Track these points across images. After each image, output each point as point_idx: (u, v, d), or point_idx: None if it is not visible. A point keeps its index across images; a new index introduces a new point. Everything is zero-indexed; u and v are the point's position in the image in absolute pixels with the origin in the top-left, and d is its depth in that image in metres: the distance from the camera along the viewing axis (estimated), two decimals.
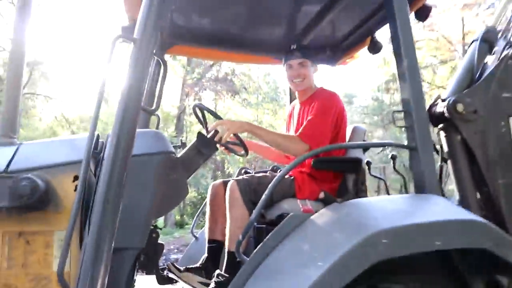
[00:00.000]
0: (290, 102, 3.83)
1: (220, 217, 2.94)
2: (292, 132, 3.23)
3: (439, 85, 20.70)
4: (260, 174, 2.97)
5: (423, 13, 3.02)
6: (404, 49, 2.35)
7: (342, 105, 3.00)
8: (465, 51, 19.27)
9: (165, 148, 2.36)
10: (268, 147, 3.48)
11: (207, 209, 3.12)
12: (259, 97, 29.66)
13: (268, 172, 3.16)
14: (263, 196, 2.17)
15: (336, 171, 2.88)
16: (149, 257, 2.51)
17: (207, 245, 3.01)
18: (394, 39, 2.41)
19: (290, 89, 3.88)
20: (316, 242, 1.95)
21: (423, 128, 2.28)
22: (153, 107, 2.52)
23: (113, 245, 1.83)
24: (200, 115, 2.95)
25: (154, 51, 2.93)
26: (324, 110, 2.89)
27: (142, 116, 3.20)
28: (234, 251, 2.27)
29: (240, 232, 2.35)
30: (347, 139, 3.09)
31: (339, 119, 2.94)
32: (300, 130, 2.86)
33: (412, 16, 2.98)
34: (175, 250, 11.61)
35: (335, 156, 2.93)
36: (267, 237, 2.11)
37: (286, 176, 2.87)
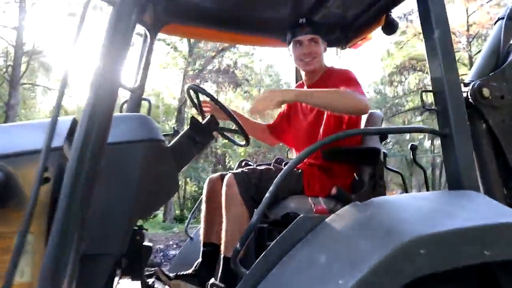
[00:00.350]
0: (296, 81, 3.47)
1: (217, 216, 2.55)
2: (298, 120, 2.91)
3: None
4: (263, 167, 2.59)
5: (390, 28, 3.02)
6: (434, 18, 1.98)
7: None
8: (469, 43, 19.10)
9: (152, 135, 1.99)
10: (254, 122, 3.21)
11: (203, 207, 2.76)
12: (261, 89, 29.43)
13: (271, 164, 2.76)
14: (267, 194, 1.78)
15: (351, 163, 2.53)
16: (133, 262, 2.15)
17: (201, 248, 2.65)
18: (422, 8, 2.05)
19: (296, 70, 3.52)
20: (335, 252, 1.56)
21: (458, 112, 1.92)
22: (136, 85, 2.12)
23: (82, 251, 1.47)
24: (194, 98, 2.59)
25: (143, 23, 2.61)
26: (353, 79, 2.60)
27: (132, 101, 2.88)
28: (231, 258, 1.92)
29: (238, 235, 2.03)
30: (362, 126, 2.74)
31: None
32: (343, 87, 2.46)
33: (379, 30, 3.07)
34: (174, 246, 11.39)
35: (350, 146, 2.56)
36: (271, 245, 1.74)
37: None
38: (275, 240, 1.74)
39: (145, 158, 1.92)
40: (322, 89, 2.48)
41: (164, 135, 2.56)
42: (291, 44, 2.81)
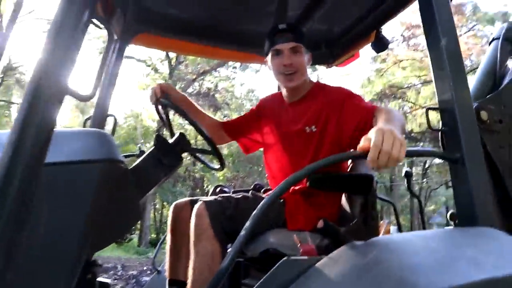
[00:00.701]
0: None
1: (184, 248, 2.19)
2: (273, 140, 2.54)
3: (423, 105, 20.53)
4: (239, 195, 2.24)
5: (381, 44, 2.84)
6: (440, 25, 1.70)
7: None
8: None
9: (109, 154, 1.66)
10: (206, 115, 2.75)
11: (168, 237, 2.39)
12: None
13: (250, 192, 2.40)
14: (243, 230, 1.40)
15: (340, 191, 2.24)
16: None
17: (167, 286, 2.29)
18: (426, 15, 1.79)
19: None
20: None
21: (471, 132, 1.62)
22: (90, 93, 1.79)
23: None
24: (162, 113, 2.27)
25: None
26: (360, 99, 2.35)
27: (96, 117, 2.57)
28: None
29: (208, 274, 1.77)
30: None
31: None
32: (370, 110, 2.12)
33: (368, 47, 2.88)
34: (148, 272, 10.92)
35: (339, 172, 2.26)
36: None
37: None
38: (255, 286, 1.41)
39: (100, 181, 1.58)
40: (388, 111, 2.04)
41: (128, 156, 2.25)
42: (269, 54, 2.41)
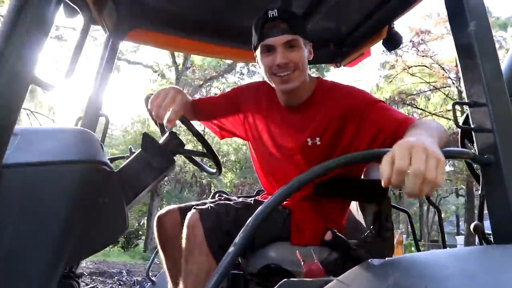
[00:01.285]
0: None
1: (179, 262, 1.88)
2: (267, 137, 2.16)
3: (432, 112, 20.37)
4: (239, 204, 1.94)
5: (393, 41, 2.59)
6: (468, 7, 1.47)
7: None
8: (458, 78, 19.23)
9: (91, 155, 1.48)
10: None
11: (160, 253, 2.15)
12: None
13: (251, 199, 2.09)
14: (232, 247, 1.10)
15: (350, 199, 2.02)
16: None
17: None
18: None
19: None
20: None
21: (507, 131, 1.37)
22: (58, 83, 1.58)
23: None
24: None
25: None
26: (388, 106, 1.93)
27: (88, 117, 2.41)
28: None
29: None
30: None
31: None
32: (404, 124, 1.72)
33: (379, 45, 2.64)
34: (153, 278, 10.74)
35: (350, 178, 2.00)
36: None
37: (279, 208, 1.92)
38: None
39: (79, 185, 1.41)
40: (425, 121, 1.81)
41: (117, 159, 2.08)
42: (259, 49, 1.94)
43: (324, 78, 2.13)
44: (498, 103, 1.38)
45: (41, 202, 1.34)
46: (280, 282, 1.20)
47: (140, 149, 1.80)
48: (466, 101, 1.46)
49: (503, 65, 2.25)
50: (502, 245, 1.30)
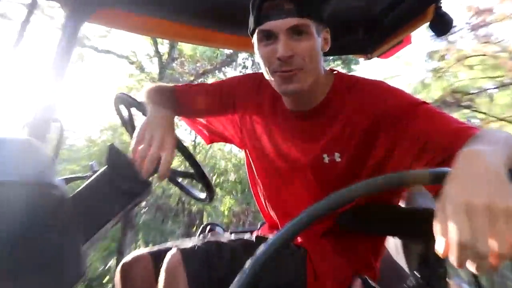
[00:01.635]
0: None
1: None
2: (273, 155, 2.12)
3: (499, 117, 20.34)
4: (238, 240, 1.95)
5: (442, 24, 2.62)
6: None
7: None
8: None
9: (37, 175, 1.48)
10: None
11: None
12: None
13: (253, 233, 2.13)
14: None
15: (388, 234, 2.01)
16: None
17: None
18: None
19: None
20: None
21: None
22: None
23: None
24: (125, 115, 2.09)
25: None
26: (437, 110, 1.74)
27: (37, 122, 2.43)
28: None
29: None
30: None
31: None
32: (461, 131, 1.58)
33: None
34: None
35: (387, 205, 1.95)
36: None
37: (292, 246, 1.92)
38: None
39: (19, 216, 1.41)
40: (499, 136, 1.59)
41: (68, 180, 2.08)
42: (255, 36, 1.86)
43: (344, 73, 2.04)
44: None
45: None
46: None
47: (105, 167, 1.80)
48: None
49: None
50: None
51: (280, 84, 1.83)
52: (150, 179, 1.88)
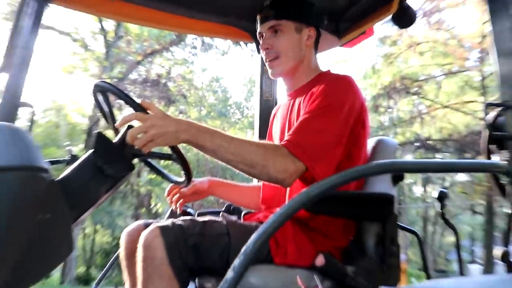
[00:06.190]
0: (261, 100, 3.24)
1: None
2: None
3: (445, 104, 20.79)
4: (207, 219, 2.17)
5: (405, 17, 2.78)
6: None
7: (361, 97, 2.28)
8: (481, 59, 19.59)
9: (28, 159, 1.58)
10: (244, 188, 2.84)
11: (125, 273, 2.38)
12: (202, 109, 29.19)
13: (220, 214, 2.37)
14: (231, 271, 1.29)
15: (347, 217, 2.19)
16: None
17: None
18: None
19: (261, 80, 3.29)
20: None
21: None
22: None
23: None
24: (103, 102, 2.18)
25: None
26: (330, 106, 2.18)
27: (6, 107, 2.46)
28: None
29: None
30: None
31: (357, 121, 2.23)
32: (286, 136, 2.15)
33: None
34: None
35: (347, 191, 2.19)
36: None
37: (253, 223, 2.24)
38: None
39: (13, 198, 1.52)
40: (241, 138, 2.10)
41: (54, 163, 2.16)
42: (259, 38, 2.59)
43: (331, 72, 2.52)
44: None
45: None
46: None
47: (90, 152, 1.90)
48: (501, 101, 1.63)
49: None
50: None
51: (269, 70, 2.53)
52: (133, 162, 1.99)
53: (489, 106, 1.75)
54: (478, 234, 34.93)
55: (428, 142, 22.97)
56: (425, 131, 22.30)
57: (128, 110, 1.98)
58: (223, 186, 2.82)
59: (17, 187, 1.53)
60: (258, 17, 2.52)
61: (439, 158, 22.64)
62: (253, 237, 1.29)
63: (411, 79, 22.73)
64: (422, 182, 31.28)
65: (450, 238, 39.20)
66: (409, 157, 25.44)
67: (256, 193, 2.72)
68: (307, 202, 1.37)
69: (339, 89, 2.25)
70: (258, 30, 2.53)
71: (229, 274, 1.26)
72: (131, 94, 22.62)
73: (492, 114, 1.90)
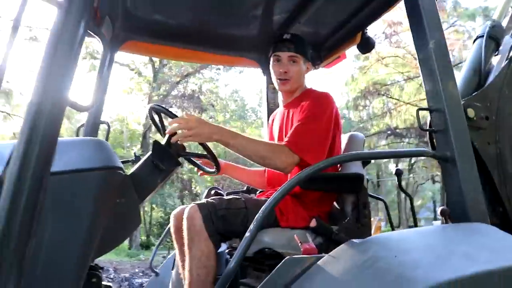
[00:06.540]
0: (268, 108, 3.27)
1: None
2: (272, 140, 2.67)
3: (407, 101, 20.70)
4: (231, 197, 2.32)
5: (366, 45, 2.90)
6: (428, 27, 1.77)
7: (336, 108, 2.40)
8: None
9: (108, 162, 1.71)
10: (249, 170, 2.88)
11: (174, 243, 2.47)
12: (226, 114, 29.28)
13: (240, 194, 2.52)
14: (248, 233, 1.50)
15: (331, 191, 2.30)
16: None
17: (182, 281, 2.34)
18: (414, 18, 1.86)
19: (267, 96, 3.30)
20: None
21: (460, 132, 1.70)
22: (88, 104, 1.79)
23: None
24: (157, 119, 2.32)
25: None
26: (317, 115, 2.30)
27: (89, 124, 2.61)
28: None
29: (205, 275, 1.92)
30: (342, 149, 2.51)
31: (334, 124, 2.34)
32: (286, 137, 2.26)
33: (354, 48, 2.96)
34: (140, 274, 10.93)
35: (329, 172, 2.29)
36: None
37: (263, 198, 2.33)
38: (259, 286, 1.49)
39: (101, 189, 1.66)
40: (255, 139, 2.25)
41: (124, 162, 2.30)
42: (271, 58, 2.57)
43: (314, 89, 2.61)
44: (452, 109, 1.70)
45: (70, 205, 1.58)
46: (284, 260, 1.49)
47: (149, 154, 2.03)
48: (428, 107, 1.75)
49: (463, 68, 2.54)
50: (457, 224, 1.61)
51: (278, 85, 2.56)
52: (180, 160, 2.13)
53: (420, 110, 1.87)
54: (438, 197, 34.73)
55: (396, 130, 22.93)
56: (393, 123, 22.17)
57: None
58: (233, 168, 2.86)
59: (103, 181, 1.67)
60: (277, 44, 2.52)
61: (404, 142, 22.61)
62: (262, 209, 1.45)
63: (381, 84, 22.63)
64: (394, 160, 31.04)
65: (418, 202, 39.08)
66: (383, 143, 25.49)
67: (257, 174, 2.81)
68: (299, 183, 1.51)
69: (320, 103, 2.36)
70: (277, 52, 2.51)
71: (247, 234, 1.41)
72: (174, 106, 22.84)
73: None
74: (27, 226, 1.19)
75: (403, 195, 32.57)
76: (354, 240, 1.50)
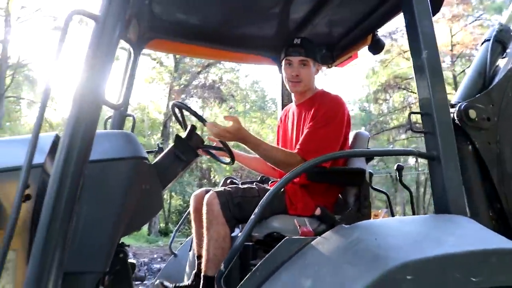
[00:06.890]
0: (282, 105, 3.45)
1: None
2: (285, 138, 2.88)
3: None
4: (245, 186, 2.57)
5: (377, 47, 3.03)
6: (423, 39, 1.98)
7: (347, 110, 2.62)
8: (453, 63, 19.08)
9: (136, 152, 1.97)
10: (256, 157, 3.07)
11: (192, 222, 2.74)
12: (246, 105, 29.46)
13: (254, 183, 2.74)
14: (252, 216, 1.76)
15: (335, 183, 2.51)
16: (117, 280, 2.11)
17: (196, 261, 2.64)
18: (410, 28, 2.05)
19: (282, 92, 3.50)
20: (320, 277, 1.53)
21: (446, 134, 1.91)
22: (119, 102, 2.04)
23: (63, 268, 1.44)
24: (179, 115, 2.56)
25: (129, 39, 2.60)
26: (328, 120, 2.51)
27: (116, 117, 2.85)
28: (213, 277, 1.90)
29: (220, 254, 2.11)
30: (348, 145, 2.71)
31: (345, 127, 2.57)
32: (298, 144, 2.49)
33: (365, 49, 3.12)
34: (158, 259, 11.28)
35: (334, 167, 2.51)
36: (256, 266, 1.72)
37: None
38: (260, 262, 1.73)
39: (129, 176, 1.91)
40: (273, 145, 2.55)
41: (148, 152, 2.54)
42: (283, 62, 2.75)
43: (325, 90, 2.80)
44: (440, 113, 1.91)
45: (103, 189, 1.83)
46: (283, 240, 1.72)
47: (171, 146, 2.27)
48: (419, 110, 1.96)
49: (469, 70, 2.68)
50: (438, 215, 1.84)
51: (290, 87, 2.76)
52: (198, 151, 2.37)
53: (412, 113, 2.07)
54: None
55: (416, 124, 22.86)
56: (413, 117, 22.16)
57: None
58: (242, 156, 3.07)
59: (131, 169, 1.92)
60: (288, 49, 2.68)
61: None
62: (265, 196, 1.70)
63: (401, 77, 22.56)
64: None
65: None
66: (403, 137, 25.44)
67: (262, 162, 2.94)
68: (297, 176, 1.78)
69: (331, 107, 2.57)
70: (288, 57, 2.68)
71: (252, 217, 1.71)
72: (195, 96, 23.10)
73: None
74: (70, 206, 1.43)
75: (421, 189, 32.72)
76: (344, 225, 1.75)
